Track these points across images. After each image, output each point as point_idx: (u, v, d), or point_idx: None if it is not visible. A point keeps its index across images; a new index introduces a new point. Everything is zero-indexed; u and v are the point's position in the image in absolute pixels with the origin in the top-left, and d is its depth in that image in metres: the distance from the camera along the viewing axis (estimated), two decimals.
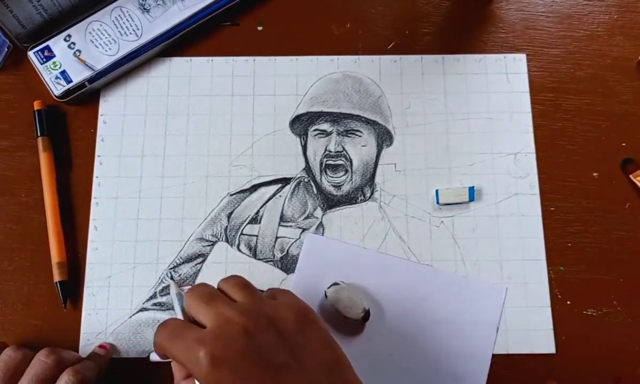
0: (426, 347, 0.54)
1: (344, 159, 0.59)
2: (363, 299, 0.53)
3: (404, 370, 0.53)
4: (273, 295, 0.45)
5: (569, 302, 0.55)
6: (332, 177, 0.58)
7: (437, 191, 0.57)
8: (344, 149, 0.59)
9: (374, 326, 0.54)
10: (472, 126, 0.60)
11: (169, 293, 0.55)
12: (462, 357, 0.53)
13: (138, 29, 0.60)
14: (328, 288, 0.53)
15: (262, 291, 0.47)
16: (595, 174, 0.58)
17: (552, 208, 0.57)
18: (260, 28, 0.63)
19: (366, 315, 0.53)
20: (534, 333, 0.54)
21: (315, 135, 0.59)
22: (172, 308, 0.55)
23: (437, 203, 0.57)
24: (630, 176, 0.58)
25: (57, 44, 0.60)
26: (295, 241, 0.56)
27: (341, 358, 0.42)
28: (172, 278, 0.55)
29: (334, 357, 0.42)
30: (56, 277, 0.55)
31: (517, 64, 0.62)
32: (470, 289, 0.55)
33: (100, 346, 0.53)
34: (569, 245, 0.56)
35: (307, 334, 0.42)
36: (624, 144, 0.59)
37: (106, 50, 0.60)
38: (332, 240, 0.56)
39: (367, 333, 0.54)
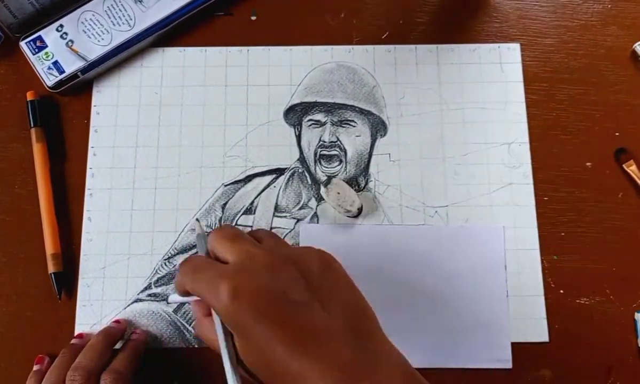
0: (443, 300, 0.55)
1: (338, 149, 0.59)
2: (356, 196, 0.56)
3: (428, 327, 0.54)
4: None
5: (562, 291, 0.55)
6: (326, 167, 0.58)
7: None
8: (338, 139, 0.59)
9: (389, 294, 0.54)
10: (466, 116, 0.60)
11: (163, 284, 0.55)
12: (479, 302, 0.54)
13: (131, 19, 0.60)
14: (323, 185, 0.57)
15: None
16: (588, 164, 0.59)
17: (545, 198, 0.58)
18: (254, 18, 0.63)
19: (361, 207, 0.56)
20: (528, 321, 0.54)
21: (310, 125, 0.59)
22: (166, 300, 0.55)
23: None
24: (624, 166, 0.58)
25: (49, 34, 0.59)
26: (289, 231, 0.57)
27: (363, 304, 0.41)
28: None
29: (356, 302, 0.41)
30: (51, 268, 0.55)
31: (511, 53, 0.62)
32: (470, 235, 0.56)
33: (115, 322, 0.53)
34: (563, 234, 0.57)
35: (329, 278, 0.41)
36: (617, 134, 0.59)
37: (99, 41, 0.59)
38: (326, 226, 0.57)
39: (384, 300, 0.54)
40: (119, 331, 0.53)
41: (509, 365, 0.53)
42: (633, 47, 0.61)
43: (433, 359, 0.53)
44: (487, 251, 0.56)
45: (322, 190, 0.56)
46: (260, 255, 0.40)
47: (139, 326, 0.54)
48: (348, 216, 0.56)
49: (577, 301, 0.55)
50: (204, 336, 0.43)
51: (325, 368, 0.36)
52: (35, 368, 0.51)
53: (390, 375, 0.37)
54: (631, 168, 0.57)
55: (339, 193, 0.56)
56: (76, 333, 0.54)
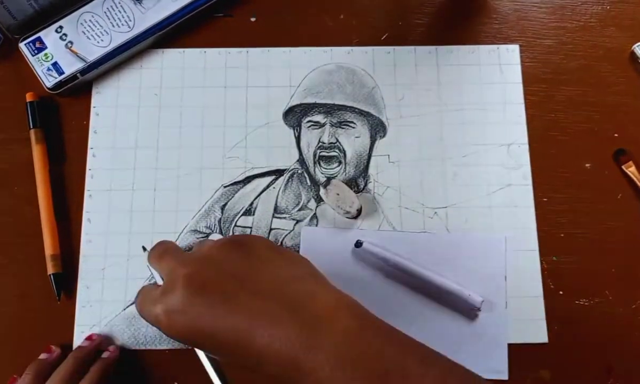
0: (440, 309, 0.55)
1: (337, 150, 0.59)
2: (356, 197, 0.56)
3: (425, 335, 0.53)
4: None
5: (561, 292, 0.55)
6: (325, 168, 0.58)
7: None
8: (337, 140, 0.59)
9: (386, 301, 0.54)
10: (466, 117, 0.60)
11: None
12: (478, 312, 0.54)
13: (130, 20, 0.60)
14: (322, 186, 0.57)
15: None
16: (587, 165, 0.59)
17: (544, 199, 0.58)
18: (253, 19, 0.63)
19: (360, 208, 0.56)
20: (527, 322, 0.54)
21: (309, 126, 0.59)
22: None
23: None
24: (623, 167, 0.58)
25: (48, 35, 0.59)
26: (289, 232, 0.57)
27: (291, 260, 0.43)
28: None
29: (283, 266, 0.42)
30: (50, 270, 0.55)
31: (510, 54, 0.62)
32: (471, 245, 0.56)
33: (88, 338, 0.53)
34: (562, 235, 0.57)
35: (251, 261, 0.42)
36: (616, 135, 0.59)
37: (98, 42, 0.59)
38: (329, 229, 0.57)
39: (381, 307, 0.54)
40: (90, 351, 0.53)
41: (505, 376, 0.53)
42: (632, 48, 0.61)
43: None
44: (488, 261, 0.55)
45: (322, 191, 0.56)
46: (180, 270, 0.41)
47: (138, 329, 0.54)
48: (347, 218, 0.56)
49: (577, 302, 0.55)
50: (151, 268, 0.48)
51: (275, 353, 0.37)
52: (42, 356, 0.52)
53: (339, 329, 0.38)
54: (630, 169, 0.58)
55: (338, 194, 0.56)
56: (75, 334, 0.54)
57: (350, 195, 0.56)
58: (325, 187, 0.56)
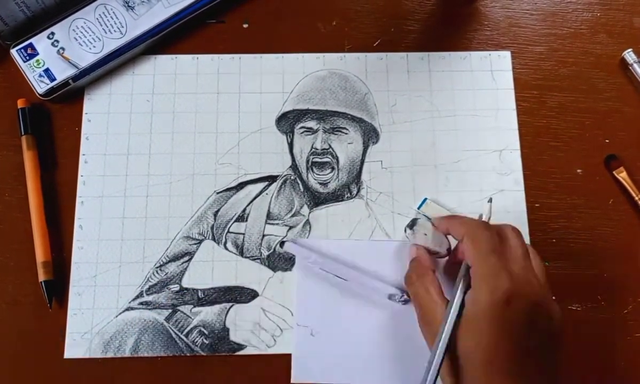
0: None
1: (330, 157, 0.59)
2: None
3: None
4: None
5: (554, 298, 0.55)
6: (318, 175, 0.58)
7: (424, 199, 0.57)
8: (330, 146, 0.59)
9: (395, 308, 0.54)
10: (458, 123, 0.60)
11: (155, 292, 0.55)
12: None
13: (122, 27, 0.60)
14: (408, 226, 0.55)
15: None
16: (579, 171, 0.59)
17: (536, 205, 0.58)
18: (246, 25, 0.63)
19: (450, 247, 0.54)
20: None
21: (302, 132, 0.59)
22: (158, 307, 0.54)
23: (418, 209, 0.57)
24: (614, 172, 0.58)
25: (40, 41, 0.59)
26: (282, 239, 0.56)
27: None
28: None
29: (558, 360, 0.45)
30: (41, 277, 0.54)
31: (501, 61, 0.62)
32: None
33: None
34: (554, 240, 0.57)
35: (550, 339, 0.45)
36: (607, 141, 0.60)
37: (90, 48, 0.59)
38: (318, 240, 0.57)
39: (384, 313, 0.55)
40: None
41: None
42: (622, 54, 0.61)
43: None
44: None
45: (408, 232, 0.55)
46: (534, 283, 0.45)
47: (131, 336, 0.54)
48: (437, 258, 0.55)
49: (569, 307, 0.55)
50: (416, 291, 0.49)
51: None
52: None
53: None
54: (621, 175, 0.58)
55: (425, 234, 0.54)
56: (67, 342, 0.53)
57: (439, 235, 0.54)
58: (411, 227, 0.55)
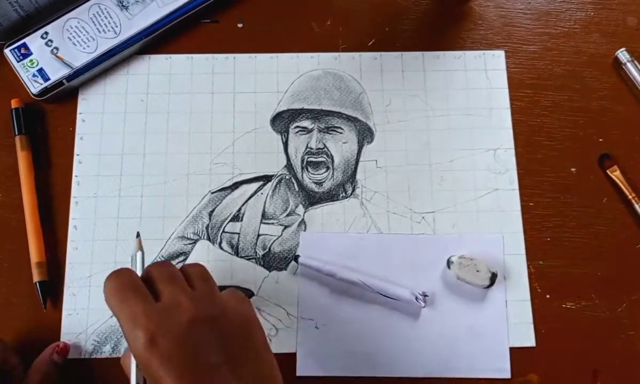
0: (442, 309, 0.55)
1: (325, 156, 0.59)
2: (486, 264, 0.54)
3: (427, 336, 0.54)
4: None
5: (548, 296, 0.56)
6: (313, 174, 0.58)
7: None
8: (325, 146, 0.59)
9: (387, 302, 0.54)
10: (452, 122, 0.60)
11: None
12: (478, 311, 0.55)
13: (117, 27, 0.60)
14: (450, 259, 0.55)
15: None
16: (573, 169, 0.59)
17: (531, 204, 0.58)
18: (240, 25, 0.63)
19: (493, 277, 0.54)
20: (514, 326, 0.55)
21: (297, 132, 0.59)
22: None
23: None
24: (607, 171, 0.59)
25: (34, 41, 0.59)
26: (277, 238, 0.56)
27: (274, 373, 0.43)
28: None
29: (269, 372, 0.42)
30: (36, 277, 0.54)
31: (495, 60, 0.62)
32: (471, 245, 0.56)
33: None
34: (548, 239, 0.57)
35: (246, 344, 0.42)
36: (600, 140, 0.60)
37: (84, 48, 0.59)
38: (326, 234, 0.57)
39: (382, 309, 0.55)
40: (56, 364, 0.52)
41: (508, 375, 0.53)
42: (615, 54, 0.62)
43: (431, 369, 0.53)
44: (487, 260, 0.55)
45: (453, 265, 0.55)
46: (186, 306, 0.40)
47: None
48: (483, 288, 0.55)
49: (563, 305, 0.55)
50: (125, 368, 0.43)
51: None
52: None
53: None
54: (615, 173, 0.58)
55: (469, 266, 0.54)
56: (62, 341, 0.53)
57: (483, 266, 0.54)
58: (458, 261, 0.55)
